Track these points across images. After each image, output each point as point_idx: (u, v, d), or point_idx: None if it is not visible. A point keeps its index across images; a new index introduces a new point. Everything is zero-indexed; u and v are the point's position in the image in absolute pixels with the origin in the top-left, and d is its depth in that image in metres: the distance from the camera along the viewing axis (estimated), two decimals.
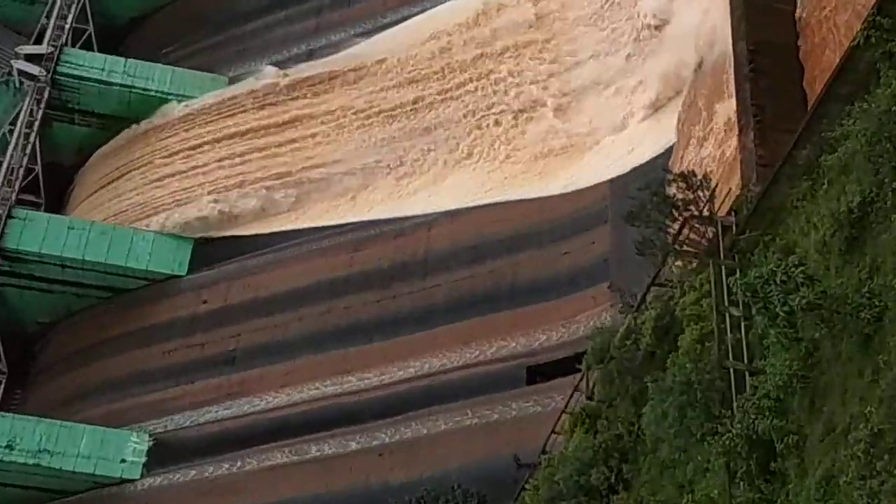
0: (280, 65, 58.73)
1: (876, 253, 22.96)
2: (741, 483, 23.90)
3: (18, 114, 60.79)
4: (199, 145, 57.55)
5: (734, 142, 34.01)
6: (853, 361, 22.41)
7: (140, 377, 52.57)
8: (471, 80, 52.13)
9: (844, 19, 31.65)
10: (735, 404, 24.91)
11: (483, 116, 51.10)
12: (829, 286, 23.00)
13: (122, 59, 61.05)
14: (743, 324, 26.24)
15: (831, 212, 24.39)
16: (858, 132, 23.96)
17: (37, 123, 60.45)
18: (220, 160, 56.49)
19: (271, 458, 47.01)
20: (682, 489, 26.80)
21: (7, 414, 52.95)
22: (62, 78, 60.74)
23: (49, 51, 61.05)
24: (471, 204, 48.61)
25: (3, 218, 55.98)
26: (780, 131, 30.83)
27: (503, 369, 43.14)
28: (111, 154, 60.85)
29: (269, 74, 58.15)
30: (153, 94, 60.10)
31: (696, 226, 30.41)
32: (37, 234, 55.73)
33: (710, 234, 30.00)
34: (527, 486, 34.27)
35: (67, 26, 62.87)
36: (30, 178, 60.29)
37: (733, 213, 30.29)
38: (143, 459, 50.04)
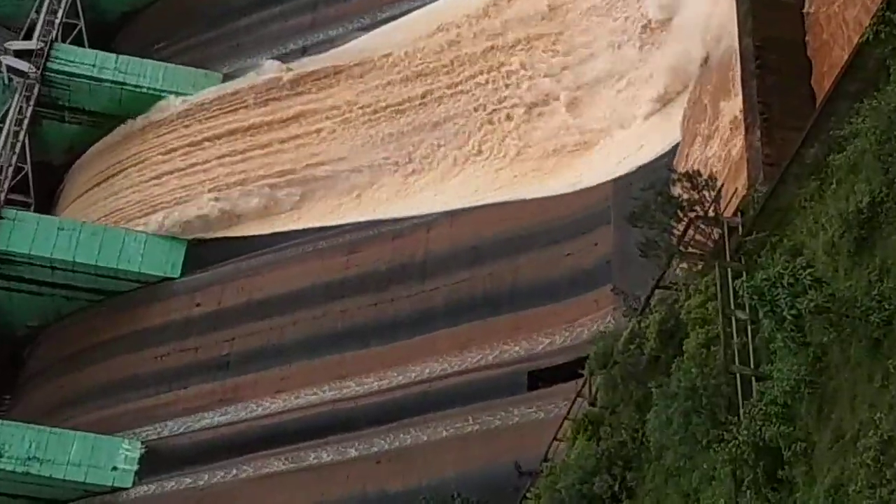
0: (276, 60, 58.25)
1: (886, 254, 22.76)
2: (748, 491, 23.83)
3: (7, 111, 60.51)
4: (200, 142, 57.23)
5: (740, 140, 33.86)
6: (862, 366, 22.22)
7: (132, 382, 52.19)
8: (481, 72, 51.67)
9: (853, 15, 31.50)
10: (741, 410, 24.87)
11: (494, 111, 50.59)
12: (838, 289, 22.93)
13: (114, 56, 60.60)
14: (749, 328, 26.05)
15: (840, 212, 24.20)
16: (867, 130, 23.87)
17: (26, 121, 60.20)
18: (220, 157, 56.13)
19: (266, 466, 46.76)
20: (688, 498, 26.71)
21: None
22: (52, 74, 60.34)
23: (39, 46, 60.70)
24: (471, 204, 48.00)
25: None
26: (787, 129, 30.68)
27: (504, 374, 42.82)
28: (106, 151, 60.46)
29: (270, 69, 57.64)
30: (145, 90, 59.65)
31: (702, 227, 30.14)
32: (26, 235, 55.29)
33: (716, 236, 29.74)
34: (528, 495, 34.10)
35: (58, 21, 62.57)
36: (19, 177, 59.97)
37: (739, 214, 29.98)
38: (135, 467, 49.70)
